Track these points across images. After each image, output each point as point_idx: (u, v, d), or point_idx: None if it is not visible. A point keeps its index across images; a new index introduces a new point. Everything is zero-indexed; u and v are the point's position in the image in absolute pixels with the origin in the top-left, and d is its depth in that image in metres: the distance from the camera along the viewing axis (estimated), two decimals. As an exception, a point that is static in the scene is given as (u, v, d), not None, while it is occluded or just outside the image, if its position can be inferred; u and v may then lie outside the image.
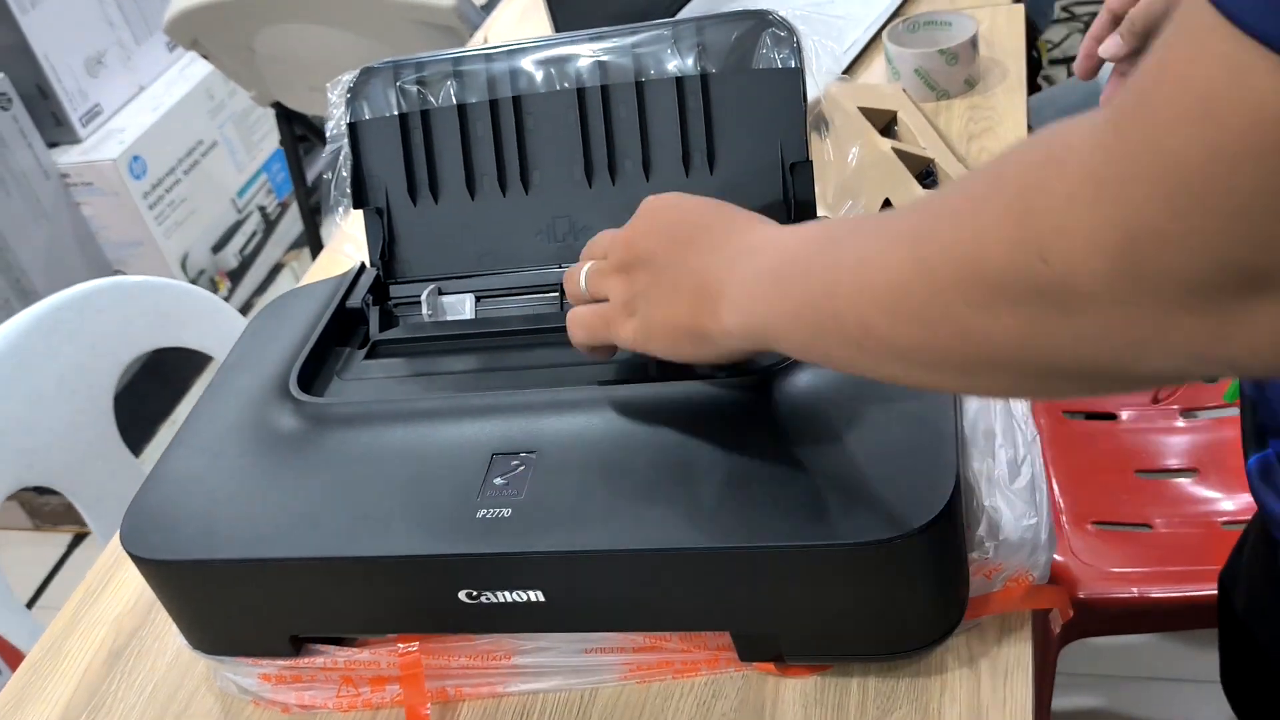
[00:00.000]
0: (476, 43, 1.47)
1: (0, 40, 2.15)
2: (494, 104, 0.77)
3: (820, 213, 0.74)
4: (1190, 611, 1.17)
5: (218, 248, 2.47)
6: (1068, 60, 2.59)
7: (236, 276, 2.52)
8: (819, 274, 0.49)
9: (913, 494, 0.56)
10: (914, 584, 0.58)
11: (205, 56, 1.78)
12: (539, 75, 0.77)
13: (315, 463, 0.66)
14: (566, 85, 0.76)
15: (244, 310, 2.54)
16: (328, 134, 0.80)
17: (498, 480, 0.62)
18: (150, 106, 2.35)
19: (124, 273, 2.38)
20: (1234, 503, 1.22)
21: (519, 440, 0.64)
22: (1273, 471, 0.62)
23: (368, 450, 0.66)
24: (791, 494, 0.58)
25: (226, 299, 2.49)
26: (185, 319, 1.18)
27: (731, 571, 0.58)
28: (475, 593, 0.61)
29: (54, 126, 2.26)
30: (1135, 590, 1.18)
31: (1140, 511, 1.26)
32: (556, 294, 0.77)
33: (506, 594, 0.61)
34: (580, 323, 0.63)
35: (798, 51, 0.72)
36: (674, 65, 0.74)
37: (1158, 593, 1.16)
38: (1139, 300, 0.35)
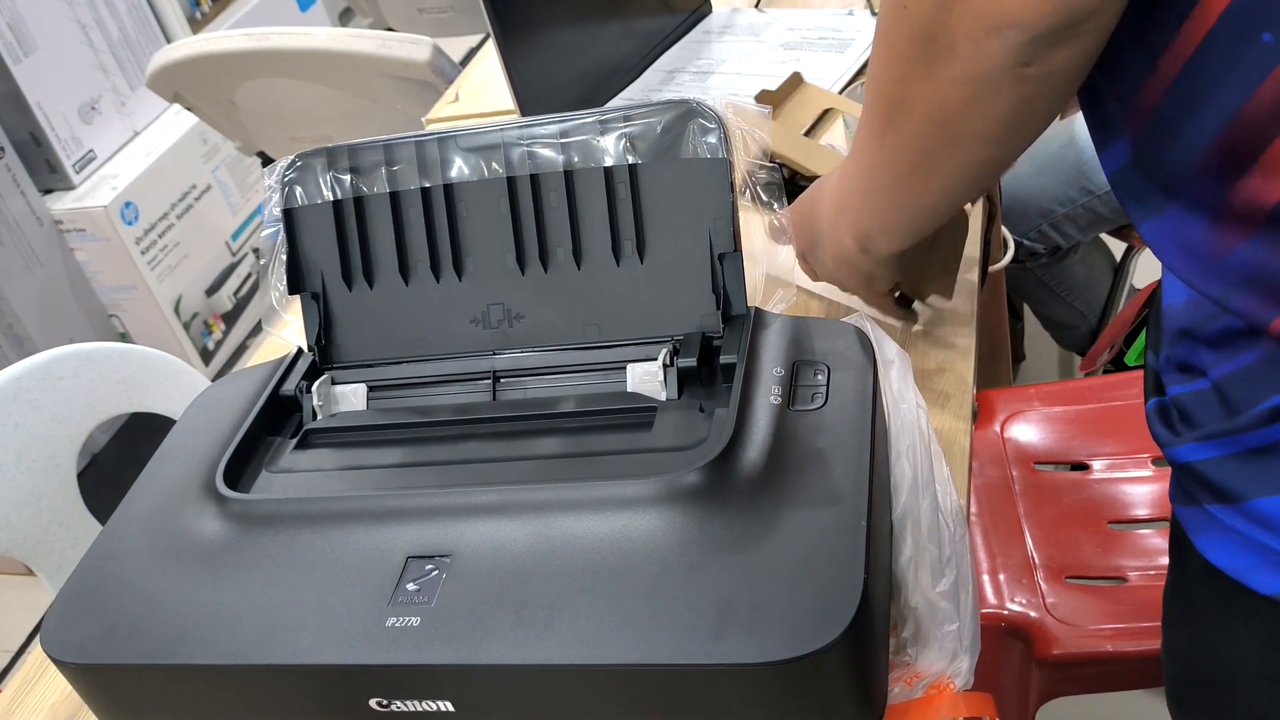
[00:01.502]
0: (449, 97, 1.48)
1: (-7, 90, 2.17)
2: (426, 191, 0.77)
3: (751, 302, 0.73)
4: (1166, 669, 1.16)
5: (211, 290, 2.48)
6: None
7: (231, 319, 2.53)
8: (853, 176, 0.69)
9: (819, 610, 0.55)
10: (822, 700, 0.57)
11: (189, 109, 1.79)
12: (470, 163, 0.76)
13: (235, 563, 0.66)
14: (498, 172, 0.76)
15: (237, 353, 2.55)
16: (263, 218, 0.80)
17: (410, 585, 0.62)
18: (144, 151, 2.36)
19: (118, 317, 2.39)
20: (1208, 561, 1.20)
21: (434, 543, 0.63)
22: (1168, 411, 0.65)
23: (286, 550, 0.65)
24: (700, 606, 0.57)
25: (220, 341, 2.50)
26: (149, 384, 1.18)
27: (639, 687, 0.57)
28: (385, 702, 0.61)
29: (48, 173, 2.28)
30: (1110, 647, 1.17)
31: (1114, 564, 1.25)
32: (489, 382, 0.76)
33: (415, 703, 0.60)
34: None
35: (725, 141, 0.72)
36: (603, 154, 0.74)
37: (1133, 648, 1.15)
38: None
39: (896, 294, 0.86)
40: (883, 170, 0.66)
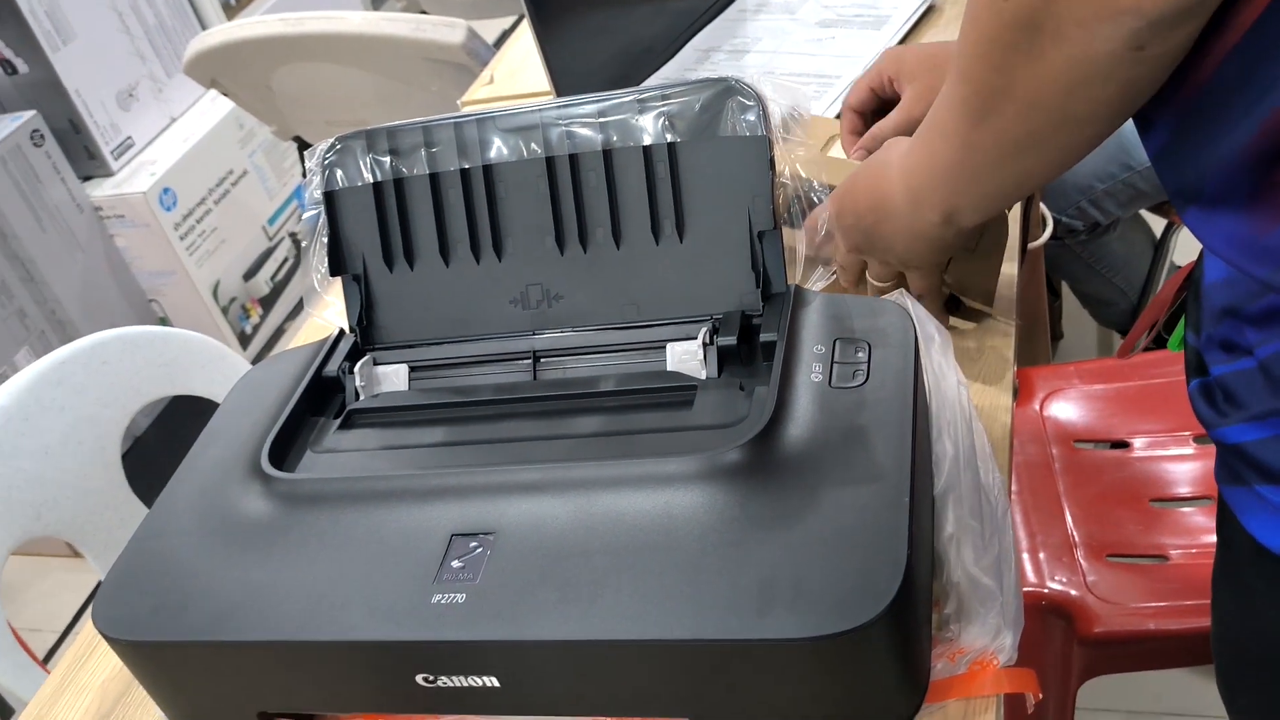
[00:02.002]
0: (484, 79, 1.48)
1: (33, 77, 2.20)
2: (465, 172, 0.78)
3: (791, 280, 0.73)
4: (1208, 646, 1.15)
5: (249, 275, 2.50)
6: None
7: (269, 303, 2.56)
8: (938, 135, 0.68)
9: (862, 586, 0.55)
10: (865, 675, 0.57)
11: (225, 94, 1.80)
12: (509, 144, 0.77)
13: (281, 541, 0.67)
14: (536, 153, 0.76)
15: (274, 337, 2.57)
16: (303, 202, 0.81)
17: (455, 563, 0.62)
18: (181, 138, 2.38)
19: (158, 302, 2.42)
20: (1251, 538, 1.19)
21: (478, 521, 0.64)
22: (1212, 391, 0.64)
23: (332, 529, 0.66)
24: (743, 582, 0.57)
25: (258, 325, 2.52)
26: (191, 367, 1.19)
27: (682, 662, 0.57)
28: (431, 677, 0.61)
29: (87, 160, 2.30)
30: (1152, 625, 1.16)
31: (1155, 542, 1.24)
32: (529, 362, 0.77)
33: (461, 679, 0.61)
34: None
35: (764, 118, 0.72)
36: (642, 133, 0.74)
37: (1175, 627, 1.14)
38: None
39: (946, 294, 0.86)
40: (979, 151, 0.65)
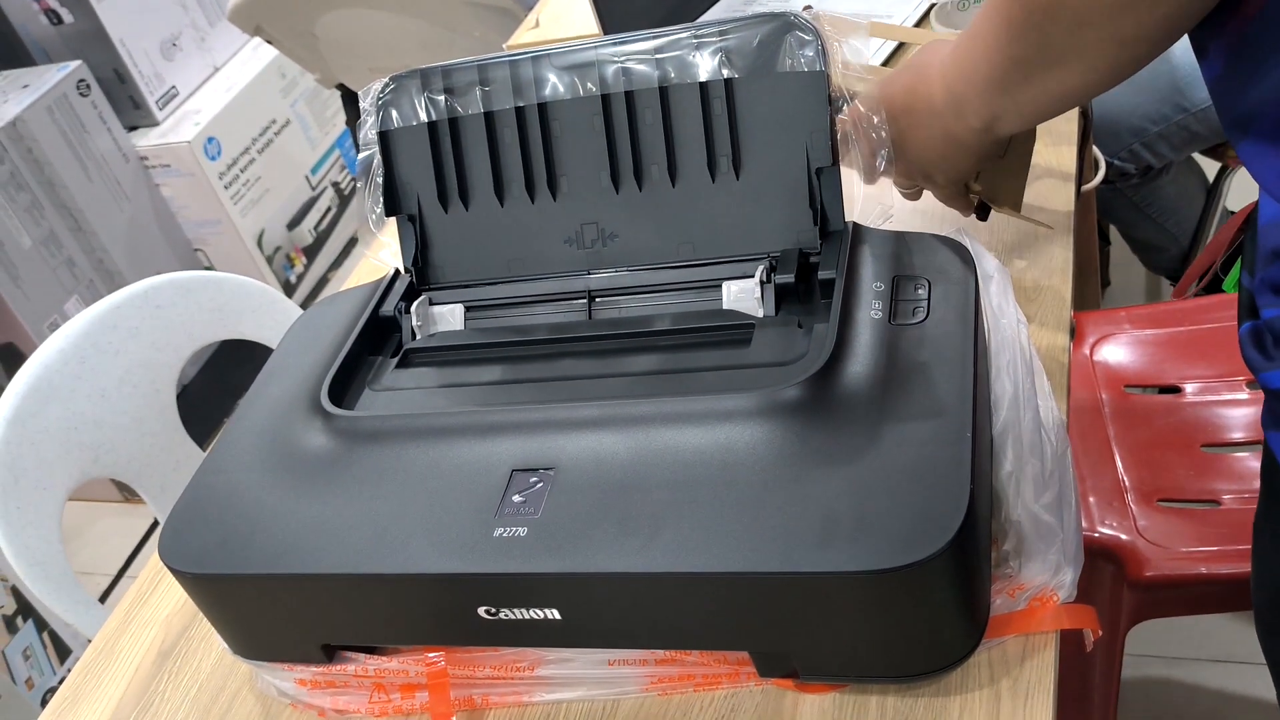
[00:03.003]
0: (529, 23, 1.47)
1: (78, 27, 2.20)
2: (520, 111, 0.77)
3: (849, 217, 0.73)
4: (1255, 592, 1.14)
5: (293, 224, 2.51)
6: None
7: (312, 252, 2.57)
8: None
9: (924, 520, 0.55)
10: (927, 609, 0.57)
11: (269, 42, 1.80)
12: (564, 81, 0.76)
13: (343, 476, 0.68)
14: (591, 90, 0.76)
15: (318, 286, 2.59)
16: (360, 142, 0.81)
17: (516, 497, 0.63)
18: (225, 87, 2.39)
19: (203, 251, 2.44)
20: (1305, 482, 1.18)
21: (538, 456, 0.64)
22: (1262, 335, 0.63)
23: (393, 464, 0.67)
24: (804, 516, 0.57)
25: (302, 274, 2.54)
26: (243, 312, 1.20)
27: (742, 595, 0.58)
28: (493, 610, 0.62)
29: (132, 110, 2.31)
30: (1203, 569, 1.15)
31: (1207, 487, 1.23)
32: (584, 301, 0.77)
33: (523, 611, 0.62)
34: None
35: (822, 54, 0.71)
36: (698, 70, 0.73)
37: (1226, 571, 1.13)
38: None
39: (975, 202, 0.85)
40: (1023, 65, 0.65)
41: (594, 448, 0.64)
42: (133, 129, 2.32)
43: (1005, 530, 0.65)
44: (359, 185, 0.82)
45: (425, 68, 0.79)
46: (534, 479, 0.63)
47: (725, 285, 0.74)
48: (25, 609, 1.83)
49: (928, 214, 0.91)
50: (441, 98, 0.79)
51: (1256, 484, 1.20)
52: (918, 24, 1.17)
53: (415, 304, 0.78)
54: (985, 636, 0.61)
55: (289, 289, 2.51)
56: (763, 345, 0.69)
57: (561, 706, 0.67)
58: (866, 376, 0.62)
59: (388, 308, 0.79)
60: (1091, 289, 1.65)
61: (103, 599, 2.14)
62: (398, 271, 0.82)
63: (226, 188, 2.34)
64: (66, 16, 2.19)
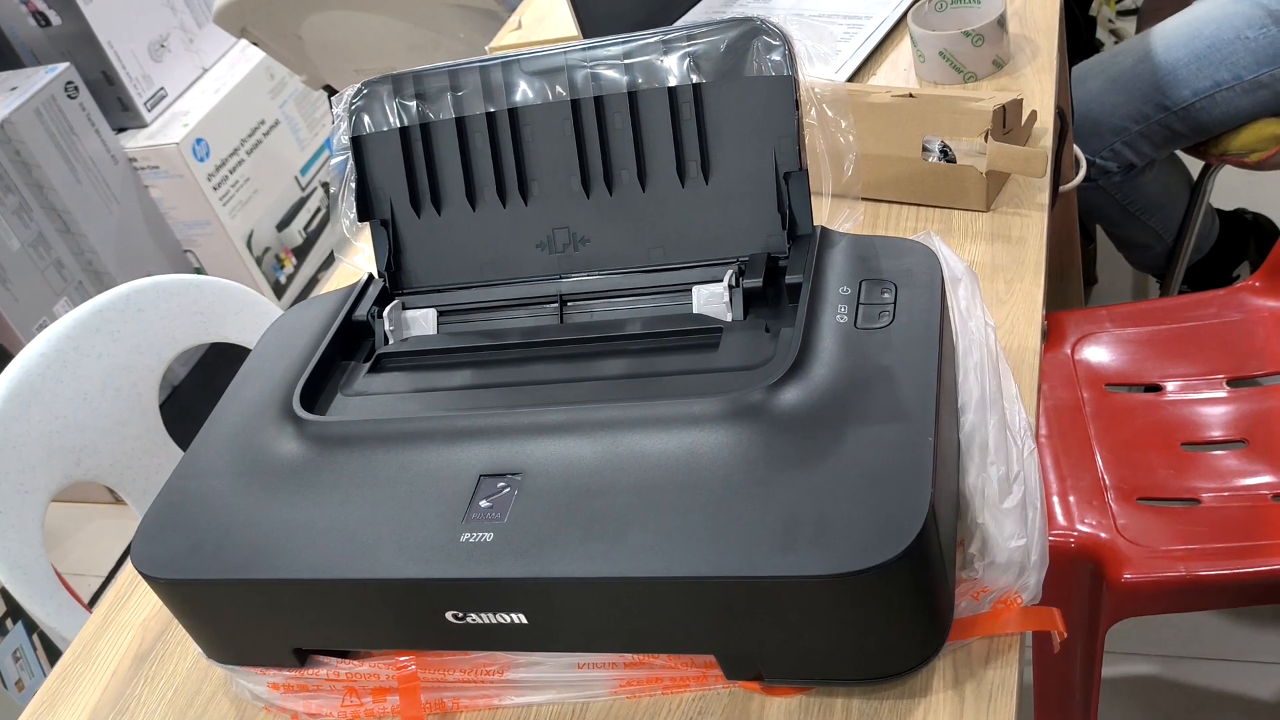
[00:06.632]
0: (512, 25, 1.47)
1: (65, 29, 2.20)
2: (491, 116, 0.78)
3: (817, 221, 0.73)
4: (1240, 589, 1.15)
5: (282, 225, 2.51)
6: (1138, 11, 2.50)
7: (302, 253, 2.57)
8: None
9: (886, 523, 0.56)
10: (889, 612, 0.57)
11: (255, 44, 1.81)
12: (534, 87, 0.77)
13: (314, 482, 0.68)
14: (561, 95, 0.76)
15: (308, 286, 2.59)
16: (332, 148, 0.81)
17: (483, 503, 0.63)
18: (213, 88, 2.39)
19: (193, 252, 2.44)
20: (1285, 474, 1.19)
21: (506, 461, 0.65)
22: None
23: (363, 469, 0.67)
24: (768, 520, 0.58)
25: (292, 275, 2.54)
26: (225, 315, 1.21)
27: (707, 599, 0.58)
28: (461, 614, 0.62)
29: (121, 111, 2.31)
30: (1183, 569, 1.16)
31: (1187, 486, 1.24)
32: (556, 306, 0.77)
33: (490, 616, 0.62)
34: None
35: (790, 59, 0.71)
36: (667, 75, 0.74)
37: (1206, 570, 1.14)
38: None
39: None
40: None
41: (561, 453, 0.64)
42: (121, 130, 2.32)
43: (971, 532, 0.65)
44: (333, 191, 0.82)
45: (397, 73, 0.79)
46: (501, 484, 0.64)
47: (695, 289, 0.74)
48: (15, 611, 1.84)
49: (895, 218, 0.92)
50: (413, 103, 0.79)
51: (1235, 482, 1.22)
52: (895, 25, 1.17)
53: (388, 309, 0.79)
54: (950, 639, 0.62)
55: (279, 290, 2.52)
56: (731, 349, 0.70)
57: (531, 709, 0.68)
58: (831, 381, 0.63)
59: (361, 312, 0.79)
60: (1075, 288, 1.65)
61: (94, 600, 2.14)
62: (371, 276, 0.82)
63: (215, 189, 2.34)
64: (54, 18, 2.20)
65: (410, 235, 0.81)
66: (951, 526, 0.64)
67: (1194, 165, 1.69)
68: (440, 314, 0.79)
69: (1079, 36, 1.99)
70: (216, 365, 2.24)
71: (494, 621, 0.62)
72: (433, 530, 0.63)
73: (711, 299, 0.73)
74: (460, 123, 0.78)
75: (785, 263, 0.72)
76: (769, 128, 0.72)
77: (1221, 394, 1.30)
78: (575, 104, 0.76)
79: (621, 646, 0.63)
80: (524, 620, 0.62)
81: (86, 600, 2.10)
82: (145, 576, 0.68)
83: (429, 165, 0.80)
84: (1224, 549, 1.16)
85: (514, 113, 0.77)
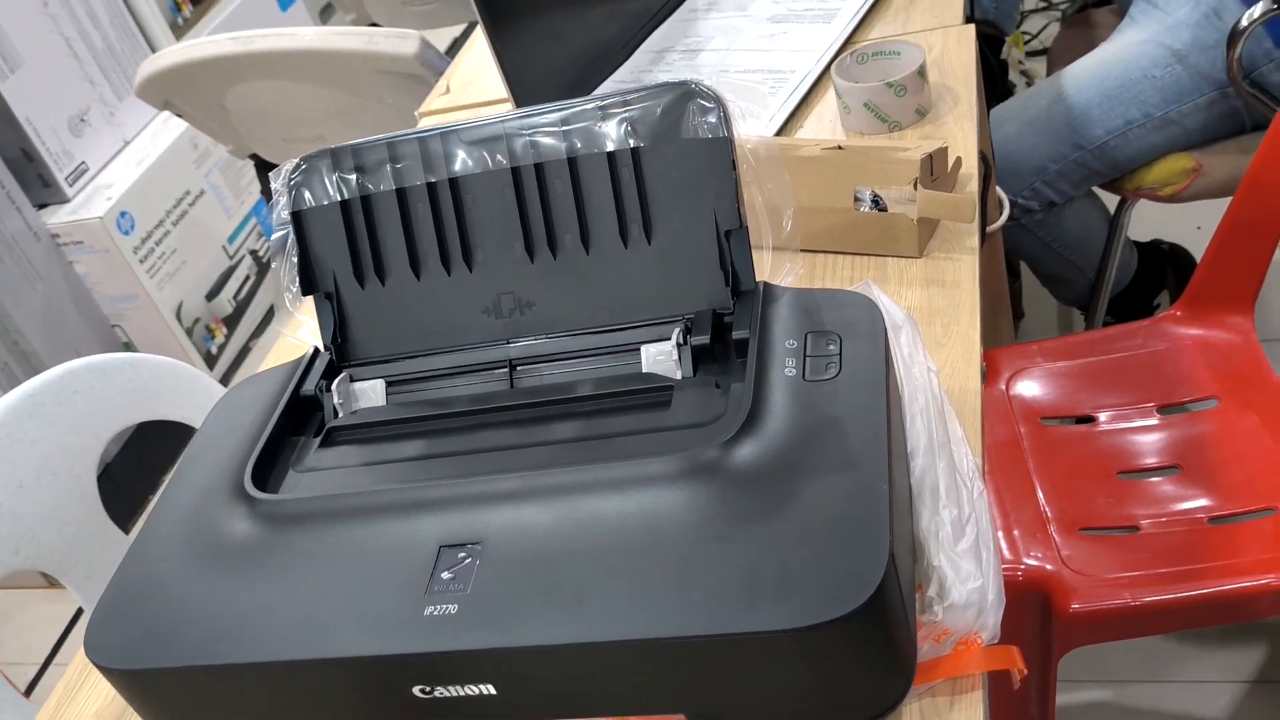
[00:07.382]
0: (440, 89, 1.48)
1: (-19, 107, 2.17)
2: (432, 186, 0.78)
3: (759, 276, 0.74)
4: (1184, 612, 1.17)
5: (212, 294, 2.49)
6: (1047, 51, 2.58)
7: (232, 322, 2.54)
8: None
9: (847, 574, 0.57)
10: (854, 662, 0.58)
11: (179, 115, 1.80)
12: (474, 156, 0.77)
13: (269, 561, 0.67)
14: (502, 163, 0.77)
15: (240, 355, 2.56)
16: (273, 221, 0.81)
17: (445, 574, 0.63)
18: (136, 160, 2.37)
19: (121, 327, 2.40)
20: (1217, 498, 1.22)
21: (464, 531, 0.65)
22: None
23: (319, 547, 0.67)
24: (728, 577, 0.58)
25: (223, 345, 2.51)
26: (160, 392, 1.19)
27: (673, 659, 0.58)
28: (428, 688, 0.62)
29: (41, 188, 2.28)
30: (1128, 595, 1.18)
31: (1126, 514, 1.27)
32: (505, 371, 0.78)
33: (458, 688, 0.62)
34: None
35: (725, 120, 0.73)
36: (605, 140, 0.75)
37: (1150, 596, 1.17)
38: None
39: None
40: None
41: (519, 520, 0.64)
42: (42, 206, 2.29)
43: (929, 575, 0.66)
44: (274, 264, 0.82)
45: (335, 147, 0.80)
46: (462, 554, 0.64)
47: (644, 348, 0.75)
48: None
49: (832, 268, 0.94)
50: (353, 176, 0.79)
51: (1172, 507, 1.25)
52: (819, 79, 1.20)
53: (336, 381, 0.79)
54: (914, 683, 0.63)
55: (211, 360, 2.49)
56: (682, 407, 0.70)
57: (501, 780, 0.67)
58: (784, 434, 0.64)
59: (308, 387, 0.79)
60: (1005, 324, 1.69)
61: (30, 688, 2.08)
62: (317, 350, 0.82)
63: (142, 261, 2.31)
64: (-30, 97, 2.16)
65: (355, 307, 0.81)
66: (910, 571, 0.65)
67: (1110, 200, 1.74)
68: (389, 384, 0.79)
69: (993, 80, 2.06)
70: (149, 441, 2.20)
71: (463, 694, 0.62)
72: (395, 604, 0.62)
73: (660, 357, 0.74)
74: (401, 193, 0.79)
75: (730, 319, 0.73)
76: (708, 188, 0.74)
77: (1153, 421, 1.33)
78: (515, 171, 0.77)
79: (592, 711, 0.63)
80: (493, 691, 0.61)
81: (23, 689, 2.04)
82: (100, 667, 0.67)
83: (371, 236, 0.80)
84: (1165, 574, 1.18)
85: (454, 182, 0.78)
